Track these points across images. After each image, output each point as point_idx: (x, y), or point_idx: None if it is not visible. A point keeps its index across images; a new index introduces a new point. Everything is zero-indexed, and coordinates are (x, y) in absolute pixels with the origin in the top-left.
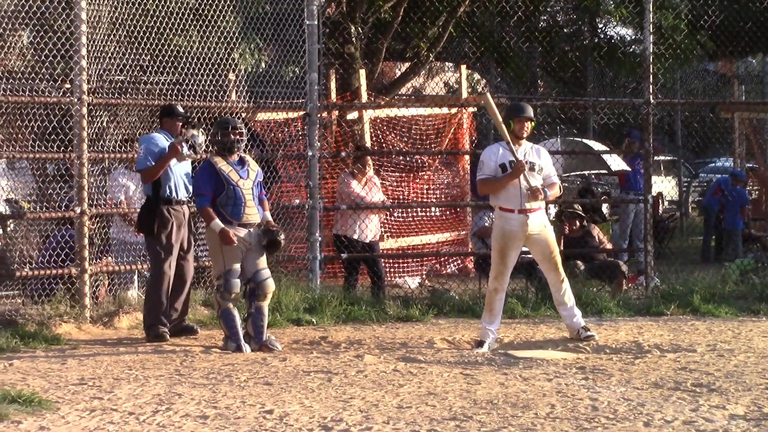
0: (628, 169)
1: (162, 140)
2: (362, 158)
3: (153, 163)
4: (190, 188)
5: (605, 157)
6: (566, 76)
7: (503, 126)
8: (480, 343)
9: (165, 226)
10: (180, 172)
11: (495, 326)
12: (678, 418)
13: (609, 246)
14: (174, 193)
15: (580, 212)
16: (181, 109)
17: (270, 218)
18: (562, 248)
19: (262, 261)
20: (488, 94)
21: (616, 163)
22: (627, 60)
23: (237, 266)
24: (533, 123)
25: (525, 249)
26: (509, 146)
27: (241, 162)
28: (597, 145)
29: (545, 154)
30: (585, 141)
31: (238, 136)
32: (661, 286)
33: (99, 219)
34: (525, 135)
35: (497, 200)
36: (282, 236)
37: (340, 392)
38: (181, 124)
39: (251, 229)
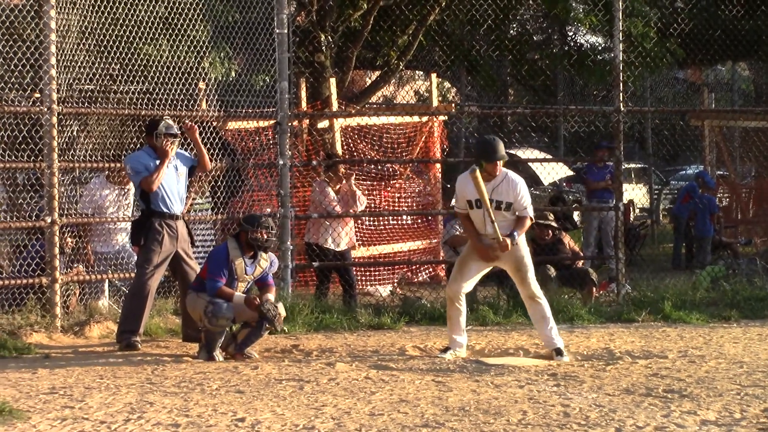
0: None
1: (145, 158)
2: (334, 167)
3: (147, 173)
4: (186, 200)
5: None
6: (536, 84)
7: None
8: (444, 350)
9: (155, 240)
10: (174, 186)
11: (456, 335)
12: (650, 424)
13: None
14: (167, 208)
15: (552, 222)
16: (170, 123)
17: (270, 297)
18: (533, 255)
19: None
20: (477, 172)
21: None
22: (597, 68)
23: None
24: (505, 159)
25: None
26: (491, 220)
27: (254, 256)
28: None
29: (516, 186)
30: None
31: (269, 237)
32: (633, 293)
33: (70, 228)
34: (497, 173)
35: None
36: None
37: (312, 400)
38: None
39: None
